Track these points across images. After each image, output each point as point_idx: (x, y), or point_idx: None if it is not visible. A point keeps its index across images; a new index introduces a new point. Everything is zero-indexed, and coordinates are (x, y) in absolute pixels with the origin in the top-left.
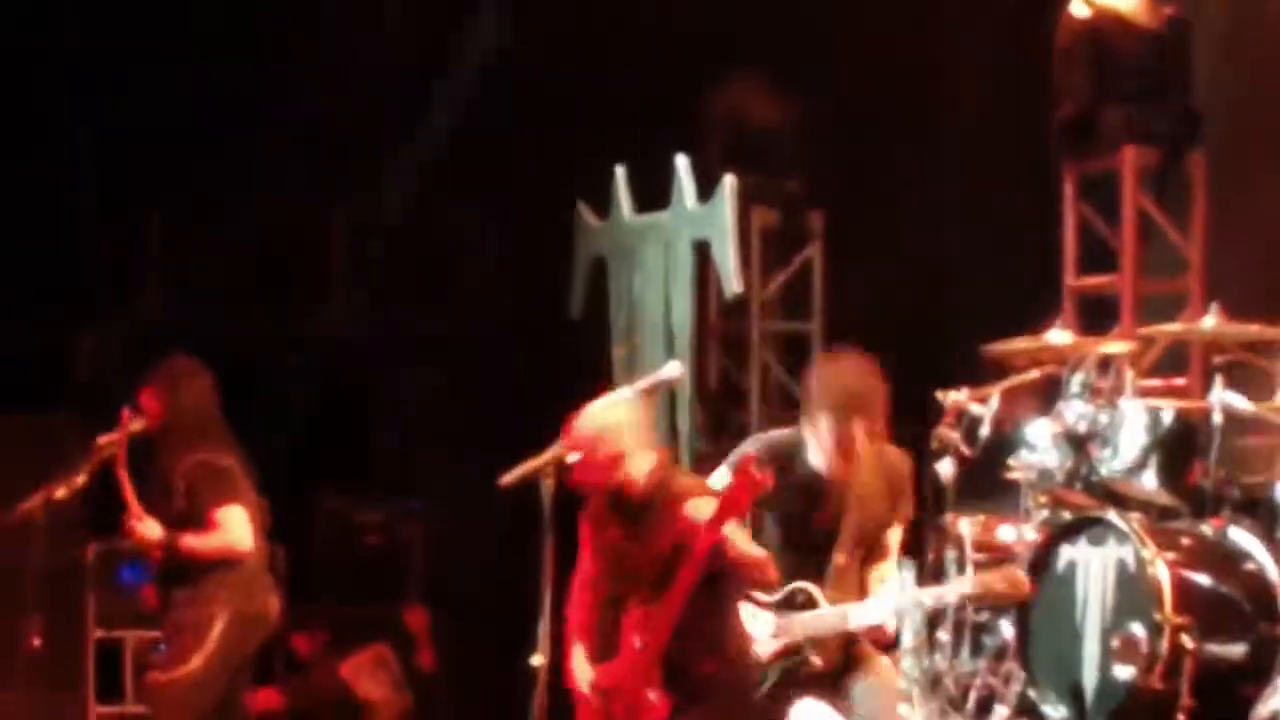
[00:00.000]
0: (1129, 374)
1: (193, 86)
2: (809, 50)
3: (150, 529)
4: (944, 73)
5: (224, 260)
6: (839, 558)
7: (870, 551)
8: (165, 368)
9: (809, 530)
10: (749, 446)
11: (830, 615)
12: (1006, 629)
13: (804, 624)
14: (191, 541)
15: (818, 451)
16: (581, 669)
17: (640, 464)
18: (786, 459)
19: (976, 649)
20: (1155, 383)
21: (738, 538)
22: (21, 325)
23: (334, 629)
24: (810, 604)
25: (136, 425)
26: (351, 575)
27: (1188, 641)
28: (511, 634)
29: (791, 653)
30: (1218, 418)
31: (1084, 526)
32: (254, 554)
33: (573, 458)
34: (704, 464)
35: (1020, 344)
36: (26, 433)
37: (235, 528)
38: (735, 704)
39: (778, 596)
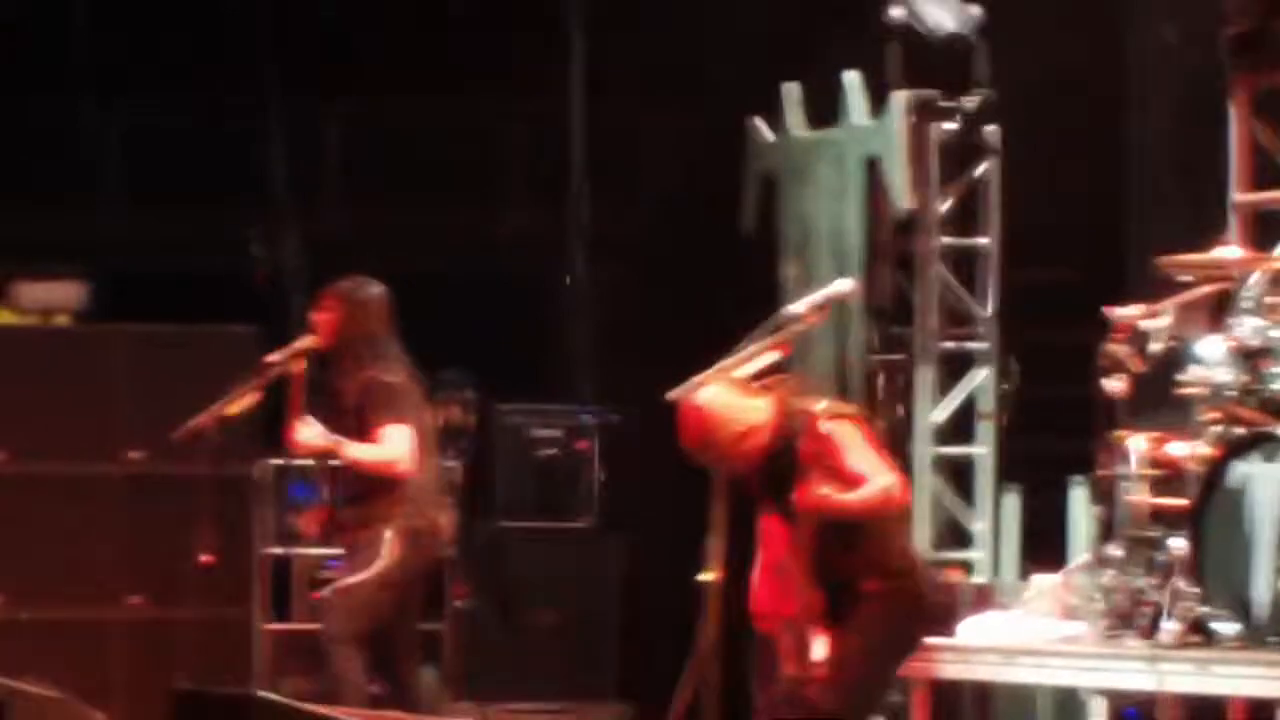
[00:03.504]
0: None
1: None
2: None
3: (310, 434)
4: None
5: (399, 165)
6: None
7: None
8: (337, 285)
9: None
10: None
11: None
12: (1178, 544)
13: None
14: (353, 450)
15: None
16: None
17: (759, 425)
18: None
19: (1147, 566)
20: None
21: (851, 453)
22: (199, 236)
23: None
24: None
25: (308, 343)
26: (528, 490)
27: None
28: (686, 548)
29: None
30: None
31: (1256, 442)
32: (423, 472)
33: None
34: (872, 381)
35: (1192, 259)
36: (203, 343)
37: (397, 445)
38: (892, 623)
39: None
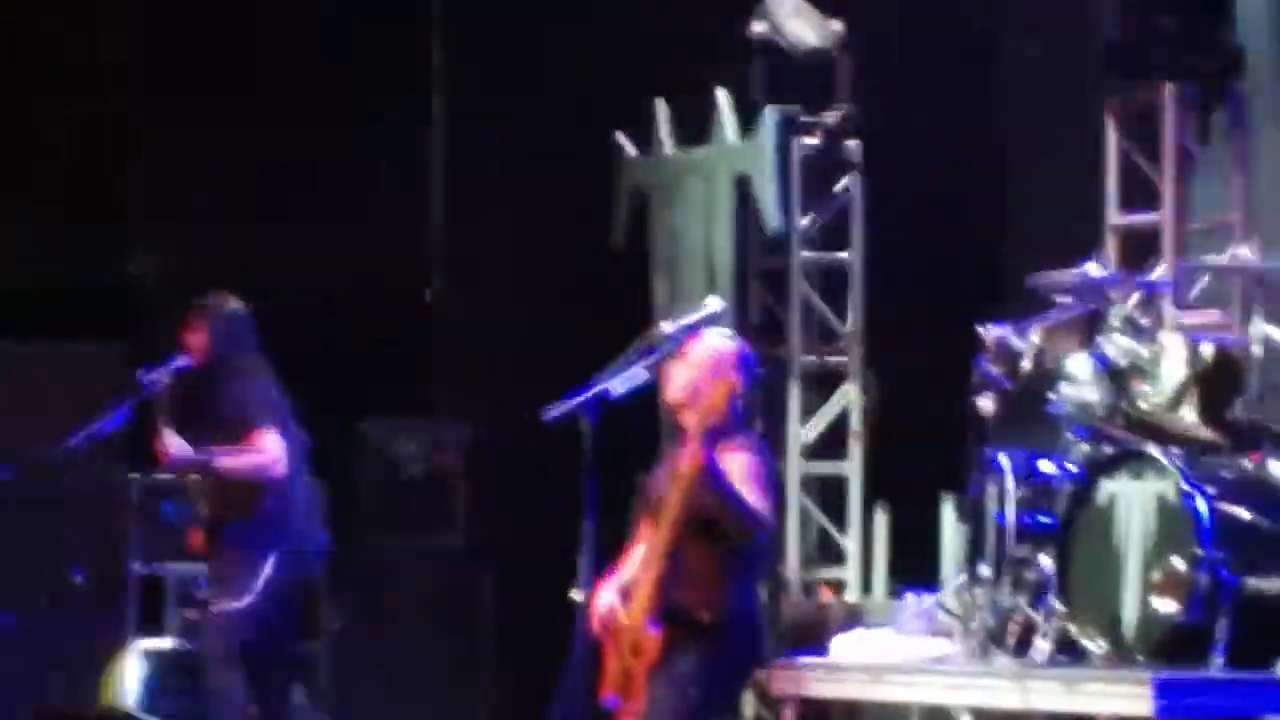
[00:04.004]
0: (1169, 308)
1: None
2: None
3: (179, 446)
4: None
5: (266, 181)
6: None
7: None
8: (203, 302)
9: None
10: None
11: None
12: (1046, 564)
13: None
14: (226, 460)
15: None
16: (603, 598)
17: (719, 402)
18: None
19: (1016, 584)
20: (1195, 318)
21: (735, 481)
22: (73, 254)
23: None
24: None
25: (181, 361)
26: (392, 508)
27: (1227, 576)
28: (557, 567)
29: None
30: (1258, 352)
31: (1124, 460)
32: (299, 490)
33: (680, 375)
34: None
35: (1062, 277)
36: (75, 363)
37: (272, 448)
38: (724, 656)
39: None
